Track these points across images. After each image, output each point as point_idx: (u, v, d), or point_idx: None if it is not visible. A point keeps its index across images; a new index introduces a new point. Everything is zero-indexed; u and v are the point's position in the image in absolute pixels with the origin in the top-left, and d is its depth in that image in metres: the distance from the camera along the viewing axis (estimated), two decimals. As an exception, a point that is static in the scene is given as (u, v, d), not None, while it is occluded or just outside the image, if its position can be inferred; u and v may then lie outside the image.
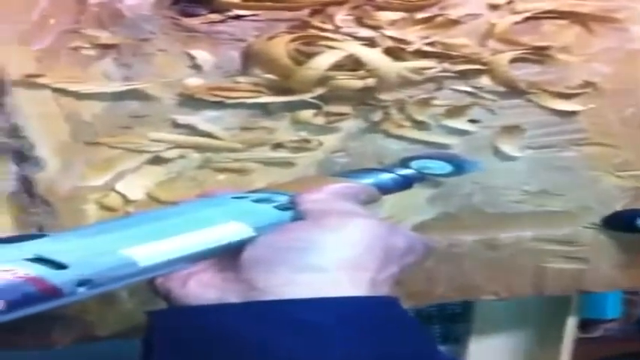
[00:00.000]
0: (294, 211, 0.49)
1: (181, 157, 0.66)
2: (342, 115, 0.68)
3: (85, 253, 0.40)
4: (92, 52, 0.65)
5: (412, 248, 0.49)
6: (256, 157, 0.68)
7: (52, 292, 0.37)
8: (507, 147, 0.71)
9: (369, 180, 0.56)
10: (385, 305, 0.45)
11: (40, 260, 0.39)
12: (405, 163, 0.59)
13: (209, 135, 0.66)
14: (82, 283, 0.39)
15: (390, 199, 0.66)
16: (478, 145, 0.71)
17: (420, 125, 0.70)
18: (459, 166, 0.61)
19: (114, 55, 0.65)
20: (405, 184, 0.58)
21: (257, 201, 0.50)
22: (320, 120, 0.68)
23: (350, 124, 0.69)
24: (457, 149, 0.70)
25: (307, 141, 0.69)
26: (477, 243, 0.73)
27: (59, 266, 0.38)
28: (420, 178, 0.59)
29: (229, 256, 0.46)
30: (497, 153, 0.72)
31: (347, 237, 0.45)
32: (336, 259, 0.44)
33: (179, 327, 0.43)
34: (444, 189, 0.71)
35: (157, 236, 0.43)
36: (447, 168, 0.60)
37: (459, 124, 0.71)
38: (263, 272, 0.43)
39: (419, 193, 0.70)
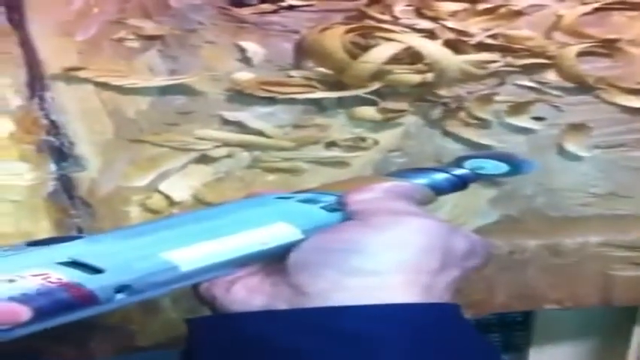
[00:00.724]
0: (343, 212, 0.47)
1: (229, 156, 0.65)
2: (399, 112, 0.66)
3: (123, 257, 0.39)
4: (136, 44, 0.63)
5: (474, 251, 0.47)
6: (308, 156, 0.66)
7: (88, 299, 0.36)
8: (573, 146, 0.69)
9: (422, 180, 0.54)
10: (444, 313, 0.43)
11: (74, 264, 0.37)
12: (459, 162, 0.57)
13: (259, 133, 0.64)
14: (120, 289, 0.38)
15: (450, 201, 0.66)
16: (542, 144, 0.69)
17: (480, 123, 0.68)
18: (516, 166, 0.58)
19: (159, 47, 0.63)
20: (460, 184, 0.56)
21: (303, 202, 0.49)
22: (376, 117, 0.66)
23: (407, 122, 0.67)
24: (520, 148, 0.68)
25: (362, 139, 0.67)
26: (540, 249, 0.71)
27: (95, 270, 0.37)
28: (475, 178, 0.57)
29: (277, 259, 0.44)
30: (563, 152, 0.69)
31: (400, 237, 0.43)
32: (388, 261, 0.42)
33: (220, 336, 0.42)
34: (506, 191, 0.69)
35: (200, 238, 0.42)
36: (503, 168, 0.58)
37: (522, 121, 0.68)
38: (311, 276, 0.42)
39: (480, 195, 0.68)
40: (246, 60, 0.64)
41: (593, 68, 0.69)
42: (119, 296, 0.37)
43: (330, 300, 0.40)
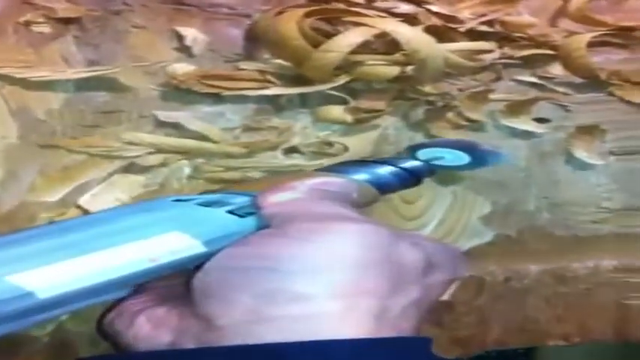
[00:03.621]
0: (258, 218, 0.43)
1: (164, 164, 0.60)
2: (373, 112, 0.62)
3: None
4: (47, 29, 0.58)
5: (435, 262, 0.42)
6: (263, 164, 0.61)
7: None
8: (583, 153, 0.66)
9: (361, 175, 0.50)
10: (405, 350, 0.38)
11: None
12: (412, 152, 0.54)
13: (201, 137, 0.59)
14: None
15: (435, 218, 0.64)
16: (546, 151, 0.66)
17: (472, 125, 0.64)
18: (479, 157, 0.55)
19: (75, 33, 0.58)
20: (411, 179, 0.53)
21: (205, 204, 0.44)
22: (345, 118, 0.62)
23: (384, 123, 0.63)
24: (520, 154, 0.66)
25: (329, 144, 0.62)
26: (543, 275, 0.68)
27: None
28: (429, 171, 0.54)
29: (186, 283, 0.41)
30: (571, 160, 0.66)
31: (331, 249, 0.38)
32: (318, 281, 0.37)
33: None
34: (503, 205, 0.66)
35: (65, 255, 0.37)
36: (464, 159, 0.55)
37: (523, 124, 0.65)
38: (221, 304, 0.38)
39: (471, 210, 0.66)
40: (184, 49, 0.60)
41: (605, 61, 0.66)
42: None
43: (249, 335, 0.36)
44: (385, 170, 0.52)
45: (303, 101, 0.61)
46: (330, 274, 0.37)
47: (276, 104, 0.61)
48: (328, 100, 0.61)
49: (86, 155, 0.58)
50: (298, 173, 0.54)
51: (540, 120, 0.65)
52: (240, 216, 0.43)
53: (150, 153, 0.59)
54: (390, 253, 0.40)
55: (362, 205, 0.49)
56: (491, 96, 0.64)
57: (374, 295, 0.38)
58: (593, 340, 0.70)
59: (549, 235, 0.67)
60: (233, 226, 0.43)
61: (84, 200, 0.58)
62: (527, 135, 0.65)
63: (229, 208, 0.44)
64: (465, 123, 0.63)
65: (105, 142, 0.58)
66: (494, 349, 0.71)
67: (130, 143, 0.59)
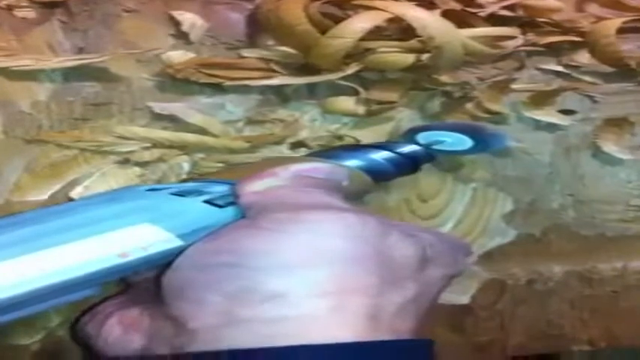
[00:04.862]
0: (238, 208, 0.41)
1: (162, 160, 0.57)
2: (387, 104, 0.59)
3: None
4: (31, 13, 0.56)
5: (434, 254, 0.40)
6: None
7: None
8: (612, 147, 0.65)
9: (353, 161, 0.48)
10: (404, 354, 0.36)
11: None
12: (411, 136, 0.52)
13: (201, 130, 0.57)
14: None
15: (453, 216, 0.62)
16: (572, 144, 0.64)
17: (494, 117, 0.62)
18: (482, 141, 0.53)
19: (61, 17, 0.56)
20: (409, 165, 0.51)
21: (180, 194, 0.41)
22: (357, 110, 0.60)
23: (399, 116, 0.61)
24: (545, 148, 0.64)
25: (339, 138, 0.60)
26: (568, 276, 0.66)
27: None
28: (429, 155, 0.52)
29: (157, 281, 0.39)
30: (599, 155, 0.65)
31: (309, 242, 0.36)
32: (298, 279, 0.35)
33: None
34: (526, 203, 0.64)
35: (20, 251, 0.34)
36: (466, 142, 0.53)
37: (548, 115, 0.63)
38: (192, 305, 0.36)
39: (493, 208, 0.64)
40: (181, 35, 0.58)
41: (636, 48, 0.64)
42: None
43: (222, 339, 0.34)
44: (380, 155, 0.50)
45: (311, 92, 0.60)
46: (309, 270, 0.35)
47: (281, 95, 0.59)
48: (338, 90, 0.59)
49: (76, 150, 0.56)
50: (284, 159, 0.52)
51: (566, 112, 0.64)
52: (219, 206, 0.41)
53: (145, 148, 0.57)
54: (379, 246, 0.37)
55: (355, 194, 0.47)
56: (514, 86, 0.62)
57: (364, 293, 0.35)
58: (621, 346, 0.69)
59: (575, 234, 0.66)
60: (210, 218, 0.40)
61: (76, 194, 0.56)
62: (551, 128, 0.64)
63: (207, 197, 0.42)
64: (485, 115, 0.62)
65: (96, 136, 0.56)
66: (516, 355, 0.69)
67: (123, 137, 0.57)
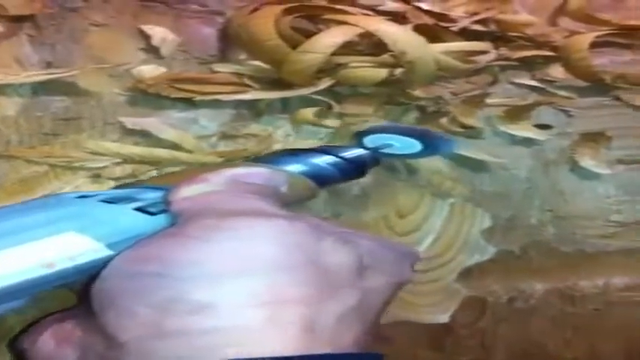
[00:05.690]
0: (170, 215, 0.39)
1: (133, 175, 0.57)
2: (360, 117, 0.60)
3: None
4: None
5: (373, 261, 0.38)
6: None
7: None
8: (589, 161, 0.65)
9: (295, 166, 0.46)
10: None
11: None
12: (359, 139, 0.51)
13: (173, 145, 0.57)
14: None
15: (431, 233, 0.62)
16: (549, 159, 0.65)
17: (469, 132, 0.62)
18: (430, 145, 0.52)
19: (29, 32, 0.56)
20: (353, 170, 0.49)
21: (110, 201, 0.40)
22: (331, 124, 0.59)
23: None
24: (522, 164, 0.64)
25: None
26: (549, 294, 0.67)
27: None
28: (375, 159, 0.51)
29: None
30: (576, 169, 0.65)
31: (236, 250, 0.34)
32: (223, 288, 0.33)
33: None
34: (505, 219, 0.65)
35: None
36: (415, 146, 0.51)
37: (523, 130, 0.64)
38: (120, 317, 0.34)
39: (472, 224, 0.64)
40: (152, 50, 0.58)
41: (610, 63, 0.65)
42: None
43: (152, 352, 0.32)
44: (323, 160, 0.48)
45: (285, 106, 0.60)
46: (238, 279, 0.34)
47: (254, 110, 0.59)
48: (311, 105, 0.59)
49: (46, 166, 0.56)
50: (221, 164, 0.51)
51: (542, 126, 0.64)
52: (151, 213, 0.39)
53: (117, 163, 0.57)
54: (311, 253, 0.36)
55: (297, 199, 0.45)
56: (488, 100, 0.63)
57: (300, 302, 0.34)
58: (605, 365, 0.67)
59: (555, 250, 0.66)
60: (141, 226, 0.38)
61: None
62: (528, 142, 0.64)
63: (138, 204, 0.40)
64: (459, 129, 0.62)
65: (66, 151, 0.56)
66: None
67: (95, 153, 0.56)
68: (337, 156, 0.48)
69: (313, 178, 0.47)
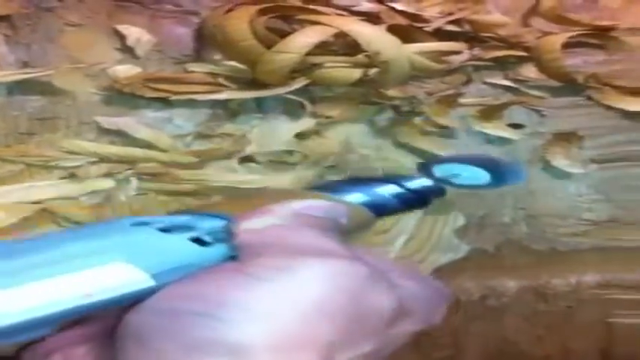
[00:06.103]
0: (229, 246, 0.37)
1: (109, 174, 0.57)
2: (334, 118, 0.60)
3: None
4: None
5: (410, 308, 0.38)
6: (216, 175, 0.59)
7: None
8: (562, 161, 0.65)
9: (357, 196, 0.45)
10: None
11: None
12: (426, 168, 0.49)
13: (148, 145, 0.57)
14: None
15: (404, 232, 0.62)
16: (522, 158, 0.65)
17: (442, 131, 0.63)
18: (500, 175, 0.50)
19: (5, 31, 0.56)
20: (417, 201, 0.48)
21: (166, 230, 0.38)
22: (305, 124, 0.60)
23: (348, 130, 0.62)
24: None
25: (288, 152, 0.61)
26: (522, 292, 0.66)
27: None
28: (440, 191, 0.49)
29: (116, 318, 0.36)
30: (549, 169, 0.65)
31: (287, 291, 0.34)
32: (259, 330, 0.33)
33: None
34: (478, 218, 0.65)
35: None
36: (484, 177, 0.50)
37: (496, 129, 0.64)
38: (145, 352, 0.33)
39: (444, 224, 0.64)
40: (127, 49, 0.58)
41: (582, 63, 0.66)
42: None
43: None
44: (386, 190, 0.47)
45: (260, 106, 0.59)
46: (274, 322, 0.33)
47: (230, 109, 0.60)
48: (286, 105, 0.59)
49: (22, 165, 0.56)
50: (284, 193, 0.50)
51: (514, 126, 0.65)
52: (205, 244, 0.38)
53: (92, 163, 0.57)
54: (359, 299, 0.35)
55: (353, 230, 0.44)
56: (462, 100, 0.63)
57: (319, 347, 0.34)
58: (577, 361, 0.67)
59: (527, 249, 0.67)
60: (192, 257, 0.38)
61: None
62: (501, 142, 0.64)
63: (194, 234, 0.38)
64: (433, 129, 0.62)
65: (41, 150, 0.56)
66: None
67: (70, 152, 0.56)
68: (401, 186, 0.47)
69: (373, 208, 0.46)
